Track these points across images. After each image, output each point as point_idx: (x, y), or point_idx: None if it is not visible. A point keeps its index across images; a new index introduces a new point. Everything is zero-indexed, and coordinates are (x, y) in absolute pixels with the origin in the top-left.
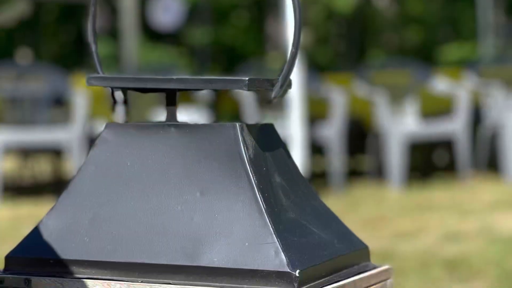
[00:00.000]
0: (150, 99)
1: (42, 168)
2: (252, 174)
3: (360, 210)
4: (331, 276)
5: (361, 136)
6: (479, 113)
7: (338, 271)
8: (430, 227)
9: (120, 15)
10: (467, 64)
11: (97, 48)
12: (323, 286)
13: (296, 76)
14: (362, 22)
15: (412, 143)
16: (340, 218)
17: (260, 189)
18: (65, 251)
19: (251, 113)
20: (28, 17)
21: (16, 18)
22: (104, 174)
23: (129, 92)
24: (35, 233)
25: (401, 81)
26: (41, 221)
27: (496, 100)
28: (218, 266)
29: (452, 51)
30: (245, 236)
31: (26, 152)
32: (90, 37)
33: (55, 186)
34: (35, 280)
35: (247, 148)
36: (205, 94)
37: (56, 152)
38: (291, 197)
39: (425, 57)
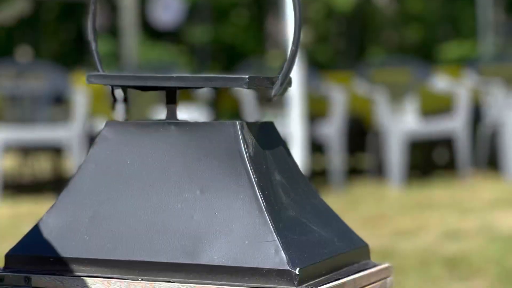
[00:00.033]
0: (150, 97)
1: (42, 166)
2: (252, 172)
3: (360, 208)
4: (331, 274)
5: (361, 134)
6: (479, 111)
7: (338, 269)
8: (430, 225)
9: (120, 13)
10: (467, 62)
11: (97, 46)
12: (323, 284)
13: (296, 74)
14: (362, 20)
15: (412, 141)
16: (340, 216)
17: (260, 187)
18: (65, 249)
19: (251, 111)
20: (28, 15)
21: (16, 16)
22: (104, 172)
23: (129, 90)
24: (35, 231)
25: (401, 79)
26: (41, 219)
27: (496, 98)
28: (218, 264)
29: (452, 49)
30: (245, 234)
31: (26, 150)
32: (90, 35)
33: (55, 184)
34: (35, 278)
35: (247, 146)
36: (205, 92)
37: (56, 150)
38: (291, 195)
39: (425, 55)
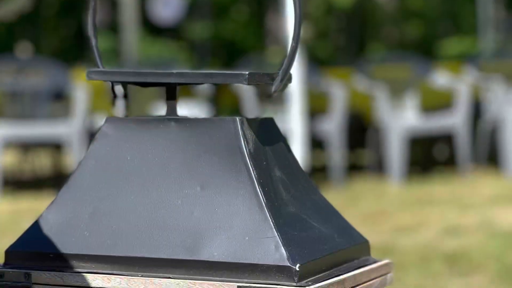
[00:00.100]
0: (150, 93)
1: (42, 162)
2: (252, 168)
3: (360, 205)
4: (331, 270)
5: (361, 130)
6: (479, 108)
7: (338, 265)
8: (430, 221)
9: (120, 9)
10: (467, 58)
11: (97, 42)
12: (323, 280)
13: (296, 70)
14: (362, 16)
15: (412, 137)
16: (340, 213)
17: (260, 183)
18: (65, 245)
19: (251, 107)
20: (28, 11)
21: (16, 12)
22: (104, 168)
23: (129, 86)
24: (35, 227)
25: (401, 75)
26: (41, 215)
27: (496, 95)
28: (218, 260)
29: (452, 45)
30: (245, 230)
31: (26, 146)
32: (90, 31)
33: (55, 180)
34: (35, 274)
35: (247, 142)
36: (205, 88)
37: (56, 146)
38: (291, 191)
39: (425, 51)
